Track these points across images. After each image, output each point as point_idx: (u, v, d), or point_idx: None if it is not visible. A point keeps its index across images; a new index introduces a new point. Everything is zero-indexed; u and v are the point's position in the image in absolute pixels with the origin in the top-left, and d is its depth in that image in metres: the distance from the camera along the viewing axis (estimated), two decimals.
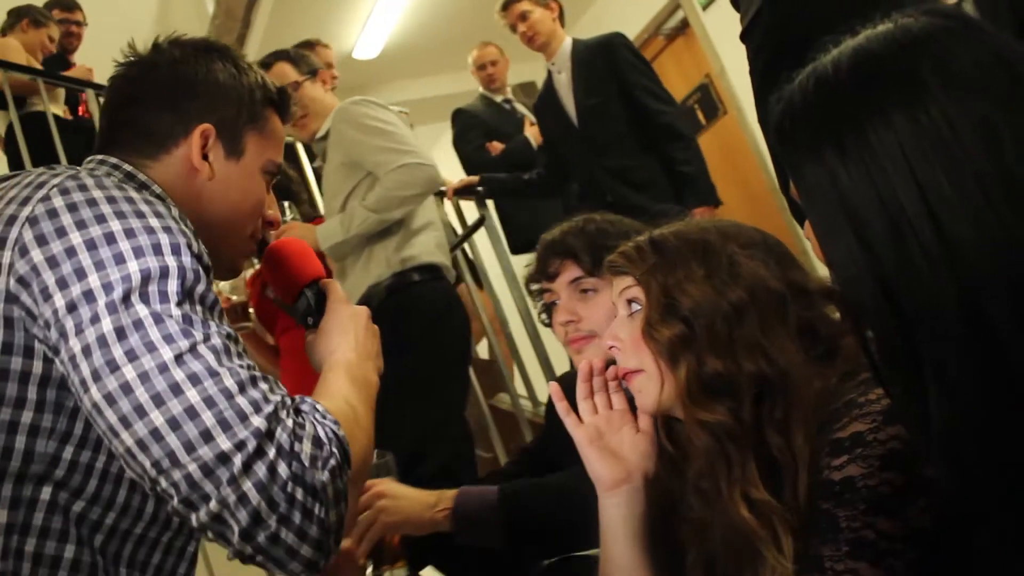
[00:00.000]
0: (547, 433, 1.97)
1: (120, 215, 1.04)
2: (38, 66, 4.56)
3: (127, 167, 1.22)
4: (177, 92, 1.27)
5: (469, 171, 4.81)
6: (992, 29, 0.81)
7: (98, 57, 5.23)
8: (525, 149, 4.81)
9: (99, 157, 1.25)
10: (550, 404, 1.89)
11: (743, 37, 2.23)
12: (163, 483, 0.95)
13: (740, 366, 1.10)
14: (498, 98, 5.21)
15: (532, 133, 4.81)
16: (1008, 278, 0.71)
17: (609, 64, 3.78)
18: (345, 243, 2.82)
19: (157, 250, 1.03)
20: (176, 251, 1.04)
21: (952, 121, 0.74)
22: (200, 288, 1.04)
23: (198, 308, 1.02)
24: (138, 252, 1.02)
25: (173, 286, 1.01)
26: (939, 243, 0.73)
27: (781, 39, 1.99)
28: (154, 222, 1.05)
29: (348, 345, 1.28)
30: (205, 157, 1.26)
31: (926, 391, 0.77)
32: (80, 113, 4.82)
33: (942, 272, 0.73)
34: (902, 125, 0.75)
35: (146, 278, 1.00)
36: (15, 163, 4.31)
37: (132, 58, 1.30)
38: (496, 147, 4.88)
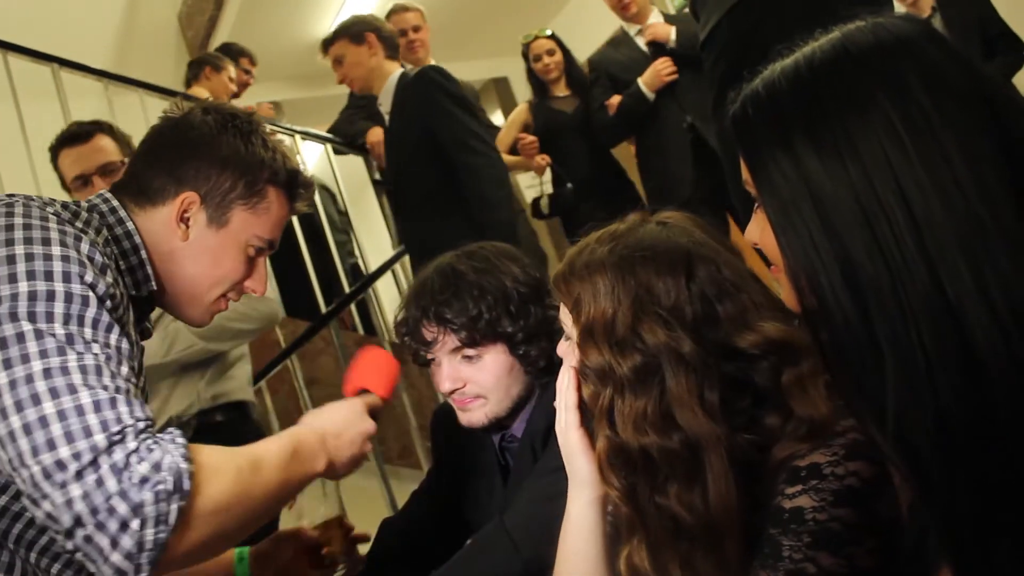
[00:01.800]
0: (439, 466, 1.89)
1: (27, 241, 1.18)
2: None
3: (114, 203, 1.39)
4: (178, 156, 1.41)
5: None
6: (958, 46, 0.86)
7: (65, 35, 5.17)
8: None
9: (105, 192, 1.41)
10: (436, 434, 1.87)
11: (702, 47, 2.24)
12: (16, 479, 1.09)
13: (637, 439, 1.03)
14: None
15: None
16: (971, 261, 0.75)
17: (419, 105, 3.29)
18: (163, 367, 2.50)
19: (48, 276, 1.16)
20: (67, 279, 1.16)
21: (928, 112, 0.79)
22: (89, 312, 1.16)
23: (86, 331, 1.15)
24: (31, 275, 1.15)
25: (59, 308, 1.14)
26: (911, 224, 0.77)
27: (739, 50, 1.99)
28: (55, 250, 1.18)
29: (323, 427, 1.40)
30: (185, 221, 1.39)
31: (883, 383, 0.79)
32: None
33: (913, 252, 0.77)
34: (881, 117, 0.79)
35: (32, 298, 1.13)
36: None
37: (171, 114, 1.46)
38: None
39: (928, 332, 0.76)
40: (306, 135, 4.58)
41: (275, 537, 1.59)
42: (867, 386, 0.82)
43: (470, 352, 1.62)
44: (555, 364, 1.54)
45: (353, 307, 4.35)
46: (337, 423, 1.43)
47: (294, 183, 1.49)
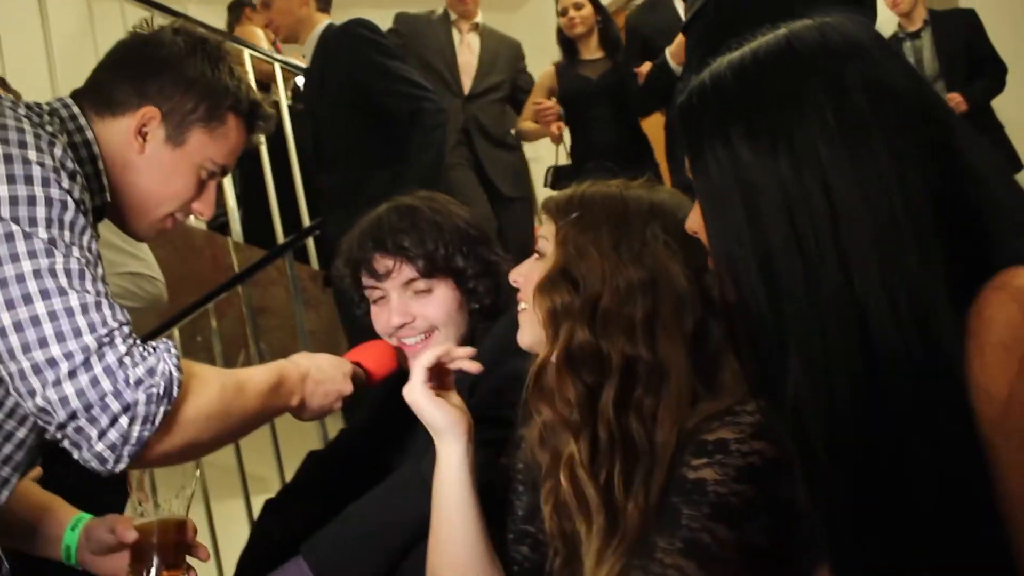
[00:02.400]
0: (368, 409, 1.90)
1: (3, 142, 1.21)
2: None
3: (75, 110, 1.40)
4: (145, 71, 1.43)
5: None
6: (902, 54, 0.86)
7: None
8: None
9: (66, 98, 1.42)
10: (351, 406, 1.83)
11: (685, 29, 2.25)
12: (2, 371, 1.16)
13: (614, 344, 1.08)
14: None
15: None
16: (882, 259, 0.78)
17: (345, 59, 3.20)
18: None
19: (28, 180, 1.19)
20: (46, 183, 1.20)
21: (866, 118, 0.81)
22: (68, 216, 1.20)
23: (66, 234, 1.19)
24: (11, 179, 1.18)
25: (41, 212, 1.18)
26: (831, 220, 0.80)
27: (721, 35, 2.00)
28: (32, 155, 1.21)
29: (309, 370, 1.47)
30: (143, 135, 1.41)
31: (785, 373, 0.83)
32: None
33: (828, 246, 0.79)
34: (819, 116, 0.82)
35: (14, 202, 1.17)
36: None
37: (139, 30, 1.48)
38: None
39: (832, 326, 0.79)
40: (286, 65, 4.52)
41: (112, 520, 1.51)
42: (770, 374, 0.85)
43: (422, 285, 1.64)
44: (497, 307, 1.63)
45: (311, 241, 4.32)
46: (323, 371, 1.49)
47: (255, 114, 1.51)
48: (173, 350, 1.22)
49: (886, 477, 0.78)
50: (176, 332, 3.65)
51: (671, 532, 0.97)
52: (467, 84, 4.19)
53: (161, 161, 1.42)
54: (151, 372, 1.17)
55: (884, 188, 0.79)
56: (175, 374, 1.20)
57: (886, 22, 4.51)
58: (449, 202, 1.75)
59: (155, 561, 1.43)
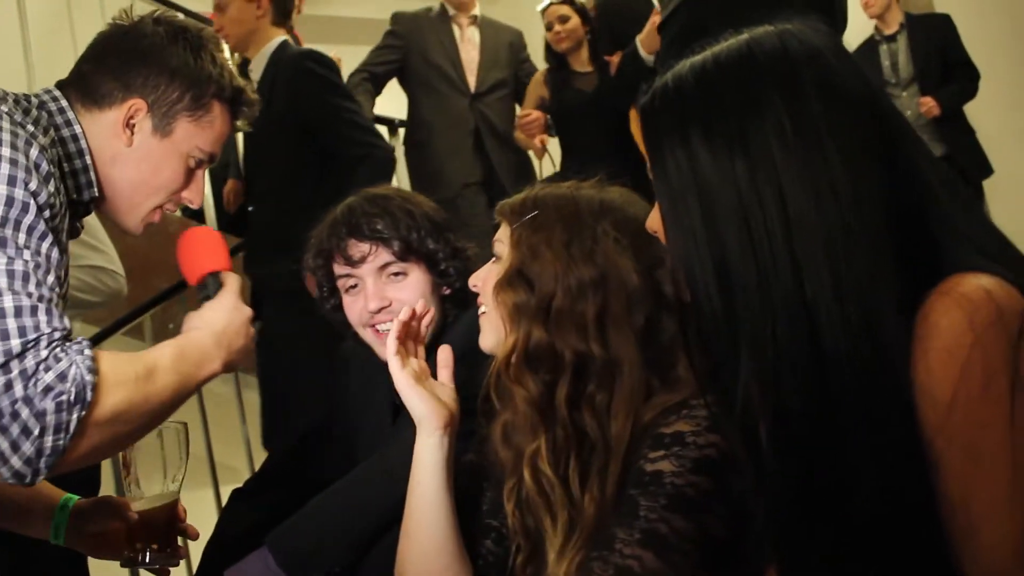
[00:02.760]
0: (335, 406, 1.92)
1: None
2: None
3: (63, 103, 1.39)
4: (129, 63, 1.42)
5: None
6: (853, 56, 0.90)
7: None
8: None
9: (54, 90, 1.42)
10: (340, 375, 1.89)
11: (660, 29, 2.26)
12: None
13: (567, 342, 1.10)
14: None
15: None
16: (833, 265, 0.80)
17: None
18: None
19: None
20: (11, 182, 1.18)
21: (819, 125, 0.83)
22: (27, 218, 1.18)
23: (20, 236, 1.17)
24: None
25: None
26: (784, 223, 0.81)
27: (693, 37, 2.01)
28: (4, 151, 1.19)
29: (211, 326, 1.40)
30: (131, 127, 1.41)
31: (736, 374, 0.85)
32: None
33: (781, 250, 0.81)
34: (774, 119, 0.84)
35: None
36: None
37: (120, 21, 1.48)
38: None
39: (783, 329, 0.81)
40: None
41: (100, 501, 1.54)
42: (722, 375, 0.87)
43: (398, 268, 1.67)
44: (466, 294, 1.64)
45: None
46: (221, 319, 1.42)
47: (238, 100, 1.52)
48: (88, 351, 1.17)
49: (831, 478, 0.80)
50: (148, 319, 3.63)
51: (629, 523, 0.99)
52: (472, 82, 4.15)
53: (149, 152, 1.43)
54: (62, 377, 1.13)
55: (836, 194, 0.81)
56: (87, 378, 1.14)
57: (863, 25, 4.55)
58: (413, 194, 1.80)
59: (153, 538, 1.48)
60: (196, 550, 1.92)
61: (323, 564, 1.52)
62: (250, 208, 3.11)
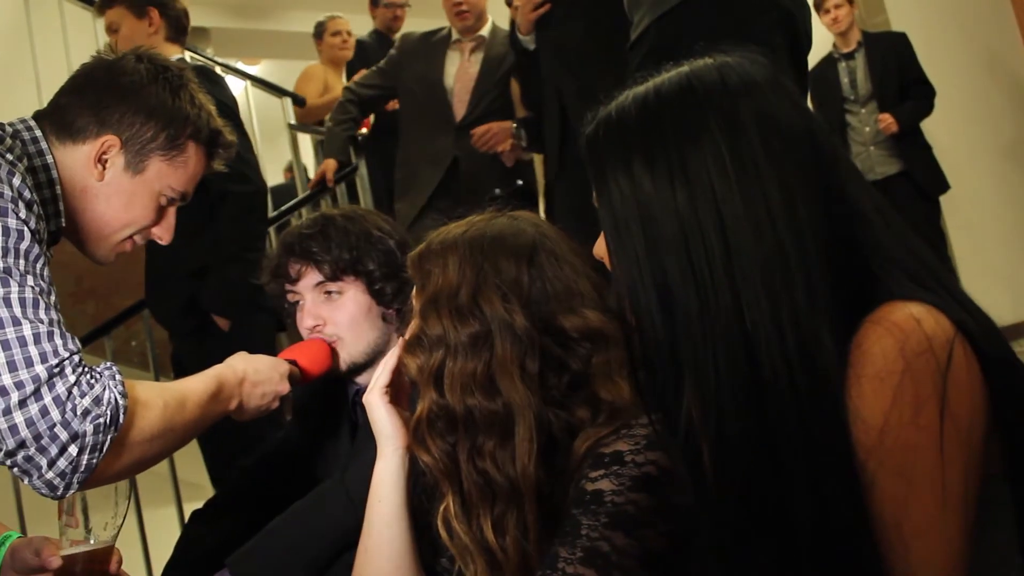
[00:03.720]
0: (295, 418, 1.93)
1: None
2: None
3: (37, 133, 1.40)
4: (106, 99, 1.44)
5: None
6: (795, 88, 0.93)
7: None
8: None
9: (29, 120, 1.43)
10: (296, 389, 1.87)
11: (630, 49, 2.28)
12: None
13: (459, 400, 1.11)
14: None
15: None
16: (770, 292, 0.82)
17: None
18: None
19: None
20: (3, 213, 1.22)
21: (754, 149, 0.85)
22: (24, 245, 1.23)
23: (21, 263, 1.22)
24: None
25: None
26: (723, 252, 0.83)
27: (662, 58, 2.03)
28: None
29: (246, 372, 1.49)
30: (103, 163, 1.42)
31: (680, 396, 0.87)
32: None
33: (721, 278, 0.83)
34: (713, 150, 0.85)
35: None
36: None
37: (104, 56, 1.51)
38: None
39: (723, 355, 0.83)
40: (227, 68, 4.49)
41: (33, 541, 1.49)
42: (666, 397, 0.89)
43: (331, 287, 1.69)
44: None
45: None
46: (260, 372, 1.52)
47: (215, 142, 1.54)
48: (118, 376, 1.25)
49: (770, 500, 0.82)
50: (108, 339, 3.61)
51: (571, 542, 1.01)
52: (461, 112, 3.70)
53: (120, 188, 1.44)
54: (97, 401, 1.21)
55: (773, 223, 0.83)
56: (121, 402, 1.23)
57: (821, 42, 4.62)
58: (370, 214, 1.80)
59: None
60: (157, 570, 1.92)
61: None
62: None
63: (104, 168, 1.43)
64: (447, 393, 1.12)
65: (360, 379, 1.75)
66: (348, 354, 1.70)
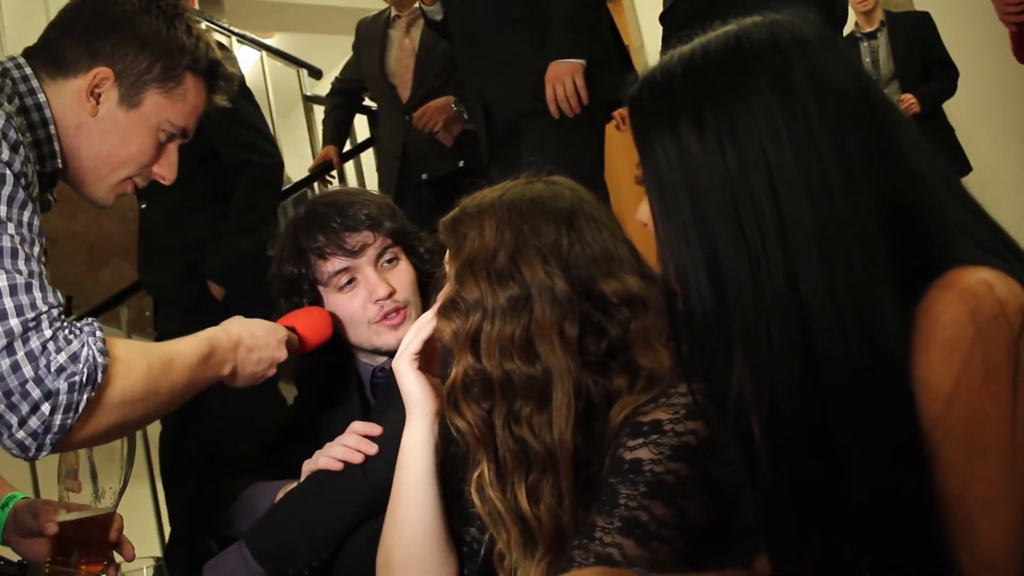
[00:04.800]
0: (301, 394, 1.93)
1: None
2: None
3: (27, 70, 1.34)
4: (96, 31, 1.37)
5: None
6: (850, 54, 0.90)
7: None
8: None
9: (19, 57, 1.37)
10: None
11: (662, 18, 2.27)
12: None
13: (496, 364, 1.09)
14: None
15: None
16: (825, 262, 0.79)
17: None
18: None
19: None
20: None
21: (808, 110, 0.81)
22: (5, 190, 1.17)
23: (1, 208, 1.16)
24: None
25: None
26: (776, 220, 0.80)
27: (695, 28, 2.01)
28: None
29: (239, 336, 1.43)
30: (96, 96, 1.36)
31: (730, 371, 0.83)
32: None
33: (774, 246, 0.80)
34: (765, 111, 0.82)
35: None
36: None
37: None
38: None
39: (776, 327, 0.80)
40: (243, 39, 4.46)
41: (34, 504, 1.48)
42: (714, 371, 0.86)
43: (392, 253, 1.68)
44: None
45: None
46: (256, 337, 1.46)
47: (214, 73, 1.47)
48: (99, 332, 1.19)
49: (825, 476, 0.80)
50: (124, 308, 3.60)
51: (609, 511, 0.99)
52: (405, 95, 3.51)
53: (116, 123, 1.38)
54: (74, 358, 1.14)
55: (828, 188, 0.79)
56: (99, 359, 1.16)
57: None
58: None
59: (75, 555, 1.38)
60: None
61: (300, 559, 1.50)
62: (143, 206, 2.98)
63: (98, 103, 1.36)
64: (484, 357, 1.10)
65: (381, 358, 1.72)
66: (412, 319, 1.67)
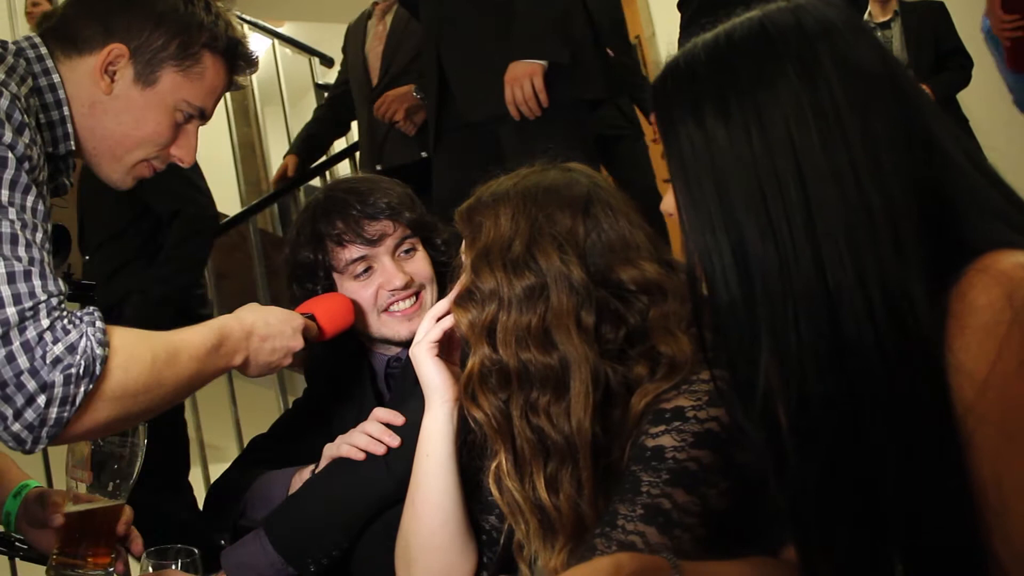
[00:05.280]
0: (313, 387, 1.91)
1: None
2: None
3: (42, 50, 1.31)
4: (112, 7, 1.34)
5: None
6: (877, 38, 0.88)
7: None
8: None
9: (34, 37, 1.34)
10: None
11: (680, 6, 2.25)
12: None
13: (513, 354, 1.09)
14: None
15: None
16: (854, 250, 0.78)
17: None
18: None
19: None
20: None
21: (835, 95, 0.80)
22: (7, 173, 1.13)
23: (3, 193, 1.12)
24: None
25: None
26: (804, 205, 0.79)
27: (712, 14, 2.00)
28: None
29: (253, 325, 1.38)
30: (111, 74, 1.32)
31: (757, 361, 0.82)
32: None
33: (801, 234, 0.79)
34: (791, 97, 0.81)
35: None
36: None
37: None
38: None
39: (804, 316, 0.79)
40: (254, 26, 4.45)
41: (45, 494, 1.46)
42: (740, 362, 0.85)
43: (410, 243, 1.67)
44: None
45: (276, 207, 4.27)
46: (270, 326, 1.41)
47: (234, 53, 1.42)
48: (99, 323, 1.15)
49: (855, 465, 0.79)
50: None
51: (632, 499, 0.99)
52: (374, 80, 3.39)
53: (131, 102, 1.34)
54: (71, 349, 1.10)
55: (857, 175, 0.79)
56: (97, 351, 1.12)
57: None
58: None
59: (82, 547, 1.35)
60: None
61: (320, 549, 1.50)
62: (86, 257, 2.97)
63: (112, 80, 1.33)
64: (500, 348, 1.09)
65: (395, 348, 1.71)
66: (427, 309, 1.63)
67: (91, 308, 1.17)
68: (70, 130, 1.33)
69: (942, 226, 0.80)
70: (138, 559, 1.42)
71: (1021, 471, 0.74)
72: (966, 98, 4.48)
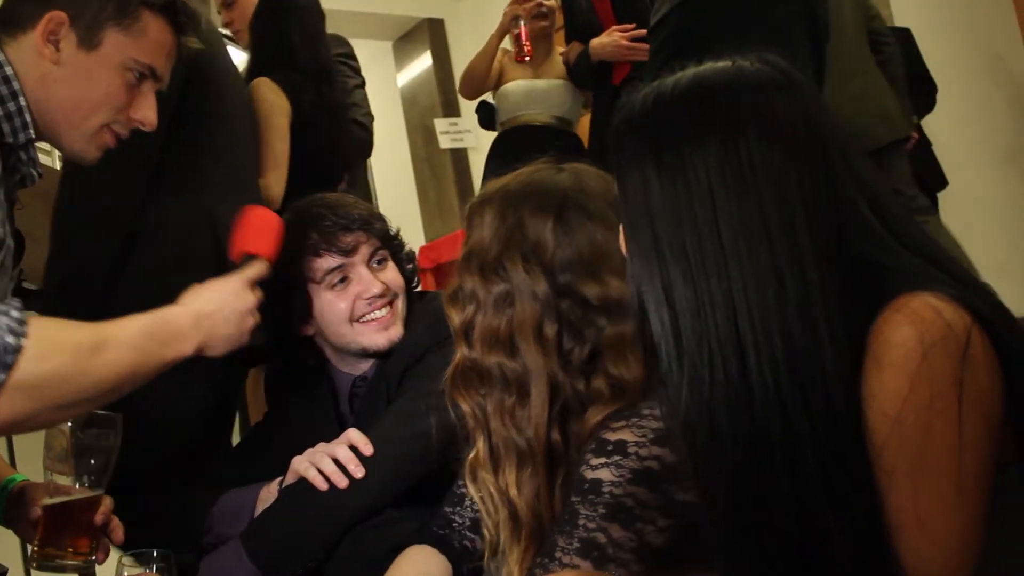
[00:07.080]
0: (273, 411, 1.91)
1: None
2: None
3: None
4: None
5: None
6: (812, 90, 0.94)
7: None
8: None
9: None
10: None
11: (649, 33, 2.27)
12: None
13: (487, 357, 1.13)
14: None
15: None
16: (761, 305, 0.83)
17: None
18: None
19: None
20: None
21: (753, 158, 0.85)
22: None
23: None
24: None
25: None
26: (719, 258, 0.84)
27: (681, 43, 2.03)
28: None
29: (197, 306, 1.35)
30: (54, 43, 1.33)
31: (680, 387, 0.88)
32: None
33: (715, 285, 0.84)
34: (714, 152, 0.86)
35: None
36: None
37: None
38: None
39: (717, 355, 0.84)
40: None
41: (30, 487, 1.45)
42: (670, 386, 0.89)
43: (382, 254, 1.71)
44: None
45: None
46: (212, 301, 1.38)
47: (171, 9, 1.44)
48: (15, 313, 1.12)
49: (758, 496, 0.83)
50: None
51: (569, 532, 1.00)
52: None
53: (79, 67, 1.36)
54: None
55: (770, 239, 0.84)
56: (9, 340, 1.09)
57: None
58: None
59: (61, 539, 1.36)
60: None
61: (297, 560, 1.52)
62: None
63: (57, 49, 1.34)
64: (476, 347, 1.14)
65: (363, 366, 1.72)
66: (402, 316, 1.71)
67: (12, 299, 1.14)
68: (28, 119, 1.33)
69: (862, 272, 0.85)
70: (120, 549, 1.43)
71: (935, 497, 0.79)
72: (930, 123, 4.54)
